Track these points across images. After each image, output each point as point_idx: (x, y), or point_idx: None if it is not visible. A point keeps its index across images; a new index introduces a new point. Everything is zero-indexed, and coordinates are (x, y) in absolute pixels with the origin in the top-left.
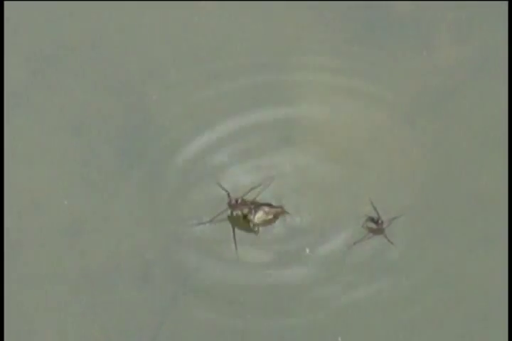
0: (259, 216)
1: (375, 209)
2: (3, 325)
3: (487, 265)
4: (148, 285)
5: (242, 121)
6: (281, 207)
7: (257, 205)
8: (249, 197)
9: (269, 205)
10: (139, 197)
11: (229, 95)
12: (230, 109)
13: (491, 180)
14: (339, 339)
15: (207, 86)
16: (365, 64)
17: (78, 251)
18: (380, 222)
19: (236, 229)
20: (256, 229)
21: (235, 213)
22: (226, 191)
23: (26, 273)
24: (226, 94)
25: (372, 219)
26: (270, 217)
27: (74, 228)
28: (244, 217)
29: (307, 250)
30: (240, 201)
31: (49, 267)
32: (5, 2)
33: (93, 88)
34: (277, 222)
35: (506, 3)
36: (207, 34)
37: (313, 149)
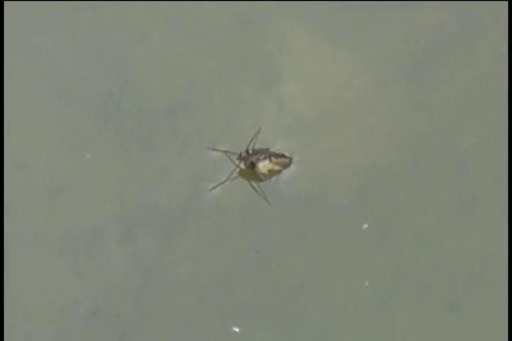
0: (266, 165)
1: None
2: None
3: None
4: (131, 247)
5: (224, 85)
6: (290, 158)
7: (270, 152)
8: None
9: (282, 155)
10: (119, 160)
11: (210, 59)
12: (212, 75)
13: (472, 139)
14: (365, 225)
15: (188, 49)
16: (349, 27)
17: (60, 213)
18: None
19: (244, 180)
20: (264, 177)
21: (243, 166)
22: (226, 151)
23: (10, 235)
24: (208, 60)
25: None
26: (278, 167)
27: (56, 190)
28: (252, 166)
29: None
30: (250, 152)
31: (31, 229)
32: (5, 2)
33: (72, 50)
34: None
35: (506, 3)
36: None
37: (299, 103)
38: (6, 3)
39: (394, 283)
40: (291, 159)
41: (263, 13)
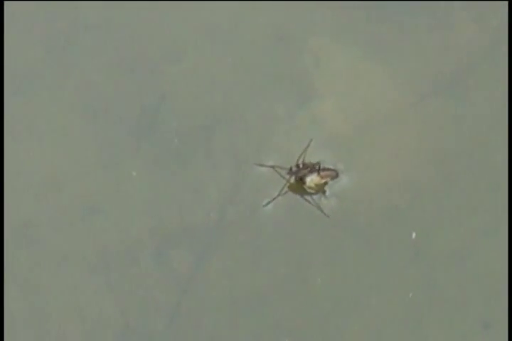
0: (314, 179)
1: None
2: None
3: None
4: (165, 264)
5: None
6: (336, 171)
7: (318, 166)
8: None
9: (328, 169)
10: (154, 176)
11: (245, 75)
12: (247, 92)
13: (502, 159)
14: (413, 234)
15: (223, 65)
16: (384, 42)
17: (95, 231)
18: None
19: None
20: (311, 191)
21: (294, 180)
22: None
23: (42, 252)
24: (243, 76)
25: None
26: (324, 180)
27: (89, 207)
28: (301, 180)
29: (413, 234)
30: (301, 166)
31: (64, 246)
32: (5, 2)
33: (107, 67)
34: None
35: (506, 3)
36: (222, 12)
37: (334, 120)
38: (6, 3)
39: (428, 300)
40: (337, 172)
41: (297, 29)
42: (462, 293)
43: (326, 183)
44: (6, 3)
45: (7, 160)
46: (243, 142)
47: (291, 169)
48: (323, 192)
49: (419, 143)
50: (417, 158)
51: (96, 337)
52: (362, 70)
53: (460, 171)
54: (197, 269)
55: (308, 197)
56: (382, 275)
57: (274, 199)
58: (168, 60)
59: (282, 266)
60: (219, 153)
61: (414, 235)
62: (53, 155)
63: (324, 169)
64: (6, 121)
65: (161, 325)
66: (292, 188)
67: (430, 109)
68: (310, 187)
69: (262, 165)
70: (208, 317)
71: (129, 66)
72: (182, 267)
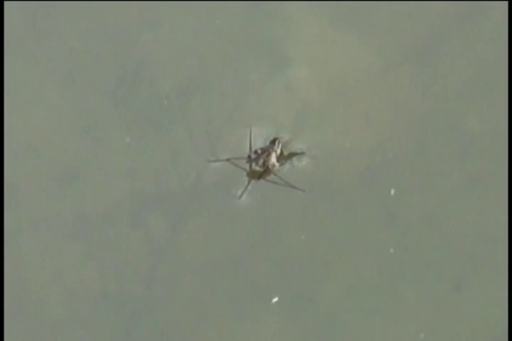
0: (276, 156)
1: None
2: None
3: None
4: (142, 228)
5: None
6: (276, 138)
7: (271, 146)
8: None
9: (272, 143)
10: (132, 143)
11: (220, 43)
12: (222, 59)
13: (476, 120)
14: (392, 190)
15: (198, 33)
16: (357, 10)
17: (73, 195)
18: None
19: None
20: (278, 169)
21: (254, 166)
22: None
23: (23, 217)
24: (217, 44)
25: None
26: (279, 152)
27: (68, 173)
28: (264, 165)
29: (392, 191)
30: (259, 151)
31: (45, 211)
32: (5, 2)
33: (86, 34)
34: None
35: (506, 3)
36: None
37: (307, 86)
38: (5, 3)
39: (400, 264)
40: (276, 138)
41: None
42: (435, 257)
43: (284, 154)
44: (5, 3)
45: None
46: (218, 107)
47: (249, 156)
48: (301, 153)
49: (390, 108)
50: (388, 123)
51: (74, 301)
52: (333, 38)
53: (431, 136)
54: (174, 233)
55: (275, 178)
56: (353, 239)
57: (245, 189)
58: (144, 28)
59: (259, 229)
60: (195, 118)
61: (392, 192)
62: (32, 121)
63: (273, 144)
64: None
65: (138, 288)
66: (260, 173)
67: (401, 75)
68: (277, 166)
69: (216, 161)
70: (185, 281)
71: (106, 33)
72: (159, 231)
